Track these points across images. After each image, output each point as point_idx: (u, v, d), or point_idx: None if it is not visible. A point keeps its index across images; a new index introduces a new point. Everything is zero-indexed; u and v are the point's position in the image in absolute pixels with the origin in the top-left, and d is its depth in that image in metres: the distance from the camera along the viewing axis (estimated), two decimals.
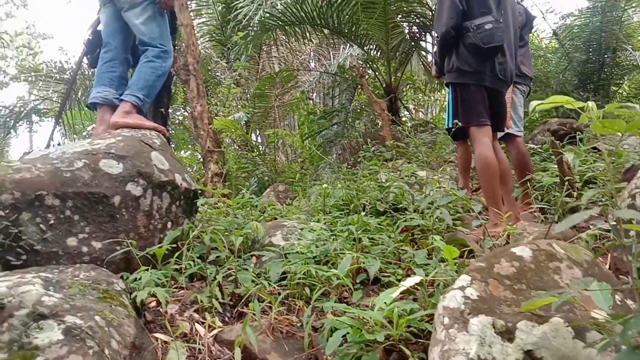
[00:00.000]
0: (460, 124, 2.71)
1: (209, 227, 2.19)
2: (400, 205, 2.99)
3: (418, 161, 5.05)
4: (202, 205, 2.53)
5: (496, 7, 2.76)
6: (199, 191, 2.56)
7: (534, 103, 1.11)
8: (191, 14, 8.23)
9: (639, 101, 9.29)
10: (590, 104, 1.04)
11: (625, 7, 8.32)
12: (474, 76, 2.75)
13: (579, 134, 4.79)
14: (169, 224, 2.21)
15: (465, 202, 2.61)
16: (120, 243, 1.92)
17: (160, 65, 2.77)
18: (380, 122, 7.39)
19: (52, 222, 1.83)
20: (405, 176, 3.84)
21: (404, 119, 9.95)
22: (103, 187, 1.97)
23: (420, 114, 12.92)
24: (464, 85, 2.79)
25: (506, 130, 3.36)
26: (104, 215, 1.95)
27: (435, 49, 2.95)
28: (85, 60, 7.48)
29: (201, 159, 6.08)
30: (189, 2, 9.07)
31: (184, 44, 4.91)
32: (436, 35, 2.81)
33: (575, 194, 2.53)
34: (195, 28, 7.56)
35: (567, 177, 2.67)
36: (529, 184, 2.90)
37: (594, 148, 4.18)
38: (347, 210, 3.12)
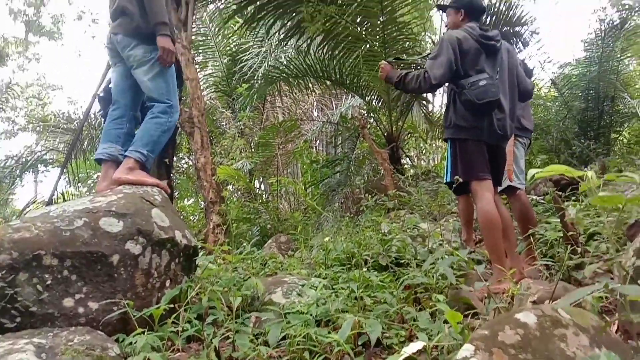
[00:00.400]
0: (460, 179, 2.71)
1: (208, 284, 2.16)
2: (403, 260, 2.95)
3: (420, 211, 5.03)
4: (202, 261, 2.50)
5: (491, 65, 2.83)
6: (199, 246, 2.53)
7: (532, 171, 1.11)
8: (197, 66, 8.48)
9: (639, 148, 9.35)
10: (590, 173, 1.04)
11: (621, 57, 8.53)
12: (469, 131, 2.78)
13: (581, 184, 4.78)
14: (168, 282, 2.18)
15: (469, 258, 2.57)
16: (117, 303, 1.89)
17: (166, 120, 2.81)
18: (382, 171, 7.43)
19: (49, 282, 1.81)
20: (408, 228, 3.81)
21: (405, 166, 10.01)
22: (102, 246, 1.95)
23: (422, 161, 13.01)
24: (462, 141, 2.82)
25: (508, 183, 3.35)
26: (102, 275, 1.93)
27: (413, 76, 2.88)
28: (92, 111, 7.65)
29: (204, 208, 6.09)
30: (195, 56, 9.37)
31: (189, 97, 5.03)
32: (426, 75, 2.77)
33: (579, 249, 2.49)
34: (201, 80, 7.76)
35: (570, 233, 2.64)
36: (532, 239, 2.87)
37: None
38: (349, 265, 3.08)
